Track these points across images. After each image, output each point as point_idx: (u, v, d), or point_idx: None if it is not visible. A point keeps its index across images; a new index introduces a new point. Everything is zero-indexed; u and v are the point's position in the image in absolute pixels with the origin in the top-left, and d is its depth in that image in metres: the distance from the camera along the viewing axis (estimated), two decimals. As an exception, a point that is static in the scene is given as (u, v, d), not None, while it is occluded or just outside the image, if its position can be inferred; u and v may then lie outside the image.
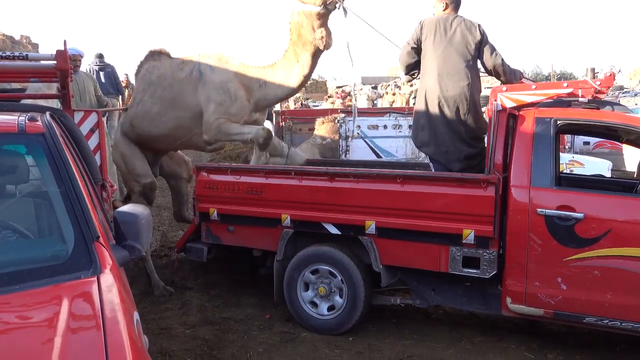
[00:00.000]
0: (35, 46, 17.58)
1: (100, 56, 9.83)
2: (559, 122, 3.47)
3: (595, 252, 3.19)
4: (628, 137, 3.92)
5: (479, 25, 4.08)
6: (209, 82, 4.46)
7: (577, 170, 7.23)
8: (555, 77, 21.79)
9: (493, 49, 4.05)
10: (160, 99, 4.64)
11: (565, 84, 3.78)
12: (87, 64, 9.88)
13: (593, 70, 3.89)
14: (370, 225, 3.73)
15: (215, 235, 4.37)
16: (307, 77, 4.40)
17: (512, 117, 3.70)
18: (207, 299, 4.61)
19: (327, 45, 4.18)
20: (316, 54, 4.25)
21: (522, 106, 3.68)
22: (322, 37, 4.12)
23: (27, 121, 2.14)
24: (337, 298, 3.91)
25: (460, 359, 3.55)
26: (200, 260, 4.54)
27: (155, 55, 4.84)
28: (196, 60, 4.59)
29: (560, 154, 4.45)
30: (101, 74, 9.72)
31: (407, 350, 3.66)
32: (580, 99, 3.61)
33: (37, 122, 2.18)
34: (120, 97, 10.64)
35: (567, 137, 9.26)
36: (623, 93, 15.10)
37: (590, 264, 3.20)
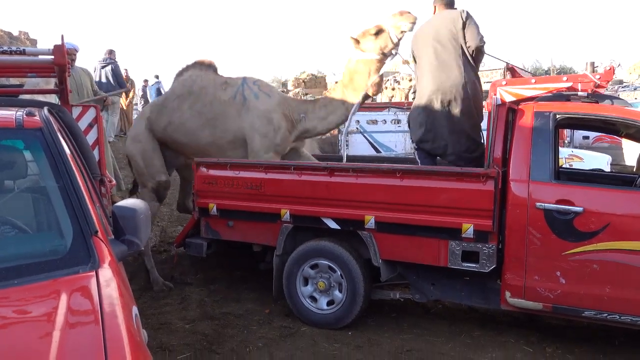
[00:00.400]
0: (34, 42, 17.55)
1: (109, 52, 9.83)
2: (558, 116, 3.46)
3: (594, 246, 3.19)
4: (627, 132, 3.91)
5: (462, 11, 4.02)
6: (253, 109, 4.50)
7: (577, 165, 7.24)
8: (555, 72, 21.76)
9: (477, 32, 3.96)
10: (199, 114, 4.64)
11: (564, 78, 3.77)
12: (97, 60, 9.92)
13: (593, 64, 3.88)
14: (370, 220, 3.73)
15: (214, 230, 4.37)
16: (348, 118, 4.56)
17: (511, 111, 3.70)
18: (207, 294, 4.62)
19: (376, 93, 4.47)
20: (363, 100, 4.44)
21: (521, 100, 3.67)
22: (374, 84, 4.34)
23: (24, 116, 2.13)
24: (337, 293, 3.91)
25: (459, 353, 3.56)
26: (200, 256, 4.54)
27: (203, 67, 4.84)
28: (240, 84, 4.64)
29: (560, 148, 4.44)
30: (102, 71, 9.72)
31: (407, 344, 3.66)
32: (580, 93, 3.61)
33: (35, 117, 2.17)
34: (124, 93, 10.65)
35: (567, 132, 9.26)
36: (623, 87, 15.09)
37: (590, 258, 3.21)
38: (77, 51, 6.46)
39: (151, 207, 4.85)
